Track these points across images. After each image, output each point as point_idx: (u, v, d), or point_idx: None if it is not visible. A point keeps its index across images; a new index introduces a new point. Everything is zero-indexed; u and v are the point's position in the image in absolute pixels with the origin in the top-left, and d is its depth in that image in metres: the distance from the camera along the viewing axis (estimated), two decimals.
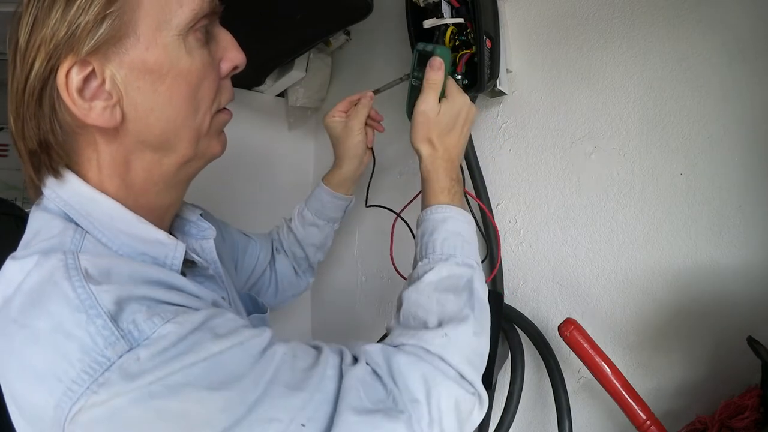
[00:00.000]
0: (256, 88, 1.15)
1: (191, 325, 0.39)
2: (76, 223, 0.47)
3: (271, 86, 1.14)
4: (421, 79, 0.66)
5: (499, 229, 0.84)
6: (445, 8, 0.76)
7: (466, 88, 0.77)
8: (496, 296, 0.80)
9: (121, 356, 0.36)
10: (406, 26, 0.81)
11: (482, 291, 0.56)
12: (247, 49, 0.55)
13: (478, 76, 0.74)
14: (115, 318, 0.37)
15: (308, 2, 0.84)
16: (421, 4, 0.77)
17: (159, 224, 0.53)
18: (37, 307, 0.39)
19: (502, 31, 0.80)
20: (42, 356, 0.37)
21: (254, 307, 0.72)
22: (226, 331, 0.41)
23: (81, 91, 0.44)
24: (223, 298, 0.57)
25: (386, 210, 0.87)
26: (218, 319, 0.42)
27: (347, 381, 0.44)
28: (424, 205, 0.63)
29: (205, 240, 0.62)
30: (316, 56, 1.13)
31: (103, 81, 0.45)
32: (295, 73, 1.09)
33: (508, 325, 0.76)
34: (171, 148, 0.50)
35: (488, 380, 0.75)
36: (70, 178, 0.48)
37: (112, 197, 0.49)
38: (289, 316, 1.18)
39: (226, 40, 0.53)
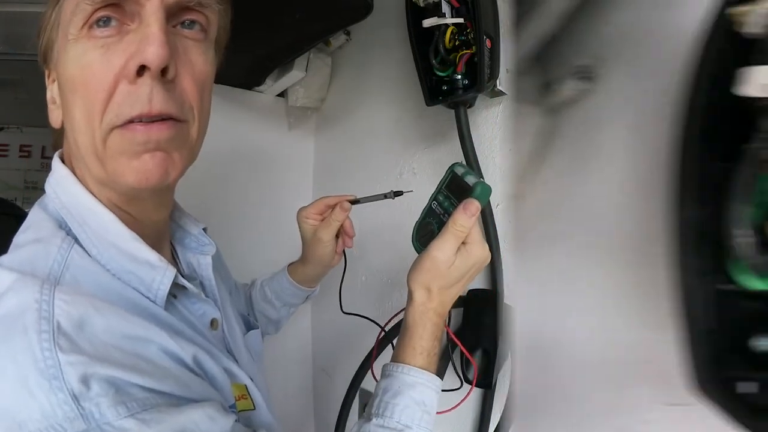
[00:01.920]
0: (256, 88, 1.15)
1: (157, 427, 0.39)
2: (68, 231, 0.47)
3: (271, 86, 1.14)
4: (444, 209, 0.58)
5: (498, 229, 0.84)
6: (445, 8, 0.76)
7: (466, 88, 0.77)
8: (495, 296, 0.80)
9: None
10: (406, 26, 0.81)
11: None
12: (246, 49, 0.54)
13: (478, 76, 0.74)
14: (77, 397, 0.37)
15: (308, 2, 0.84)
16: (421, 4, 0.78)
17: (151, 234, 0.52)
18: (5, 346, 0.38)
19: (502, 30, 0.80)
20: (7, 394, 0.37)
21: (246, 325, 0.72)
22: None
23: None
24: (214, 319, 0.57)
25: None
26: (191, 420, 0.41)
27: None
28: (398, 357, 0.58)
29: (202, 255, 0.61)
30: (316, 56, 1.13)
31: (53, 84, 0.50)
32: (295, 73, 1.09)
33: None
34: (88, 165, 0.48)
35: (488, 380, 0.76)
36: (72, 181, 0.49)
37: (111, 202, 0.49)
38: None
39: (144, 33, 0.42)
